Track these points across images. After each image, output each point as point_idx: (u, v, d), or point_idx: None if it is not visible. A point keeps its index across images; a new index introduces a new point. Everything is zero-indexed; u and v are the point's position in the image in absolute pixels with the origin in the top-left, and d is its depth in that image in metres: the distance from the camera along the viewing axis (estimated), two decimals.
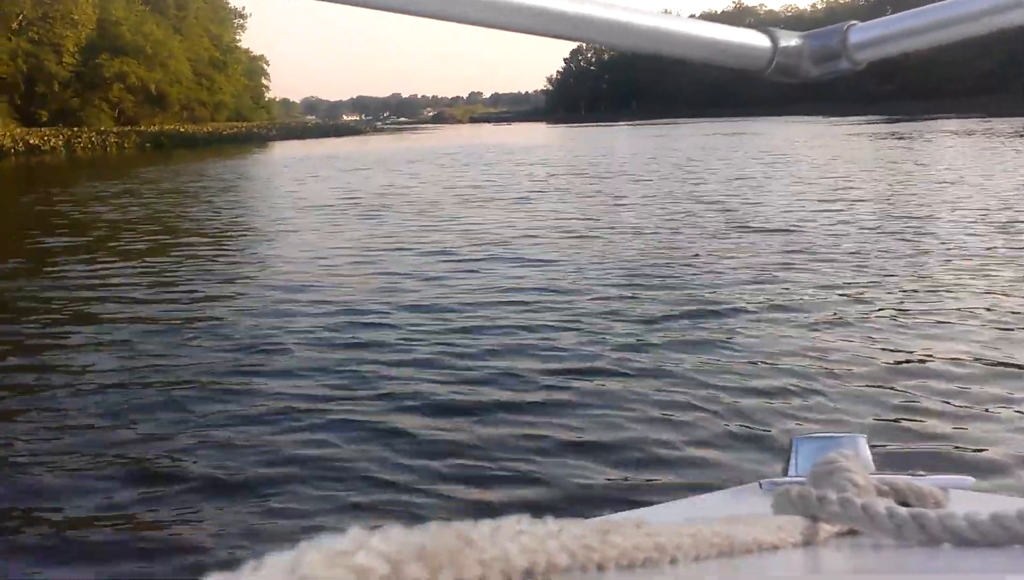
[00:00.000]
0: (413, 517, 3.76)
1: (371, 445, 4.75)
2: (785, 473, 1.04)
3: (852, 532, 0.69)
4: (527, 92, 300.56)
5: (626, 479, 4.27)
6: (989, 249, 9.97)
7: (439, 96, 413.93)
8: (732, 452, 4.52)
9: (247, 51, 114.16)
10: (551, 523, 0.42)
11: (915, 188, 17.26)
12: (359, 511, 3.97)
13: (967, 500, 0.85)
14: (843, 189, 17.47)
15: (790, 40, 0.74)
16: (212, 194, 22.70)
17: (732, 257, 10.19)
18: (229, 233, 14.68)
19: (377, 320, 7.64)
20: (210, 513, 4.05)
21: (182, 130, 71.30)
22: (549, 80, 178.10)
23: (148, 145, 62.56)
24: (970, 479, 0.95)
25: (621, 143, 43.37)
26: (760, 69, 0.73)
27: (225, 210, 18.56)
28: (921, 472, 0.95)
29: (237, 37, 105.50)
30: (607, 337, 6.78)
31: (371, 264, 10.64)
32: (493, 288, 8.88)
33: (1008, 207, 13.49)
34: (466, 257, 10.78)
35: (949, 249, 10.07)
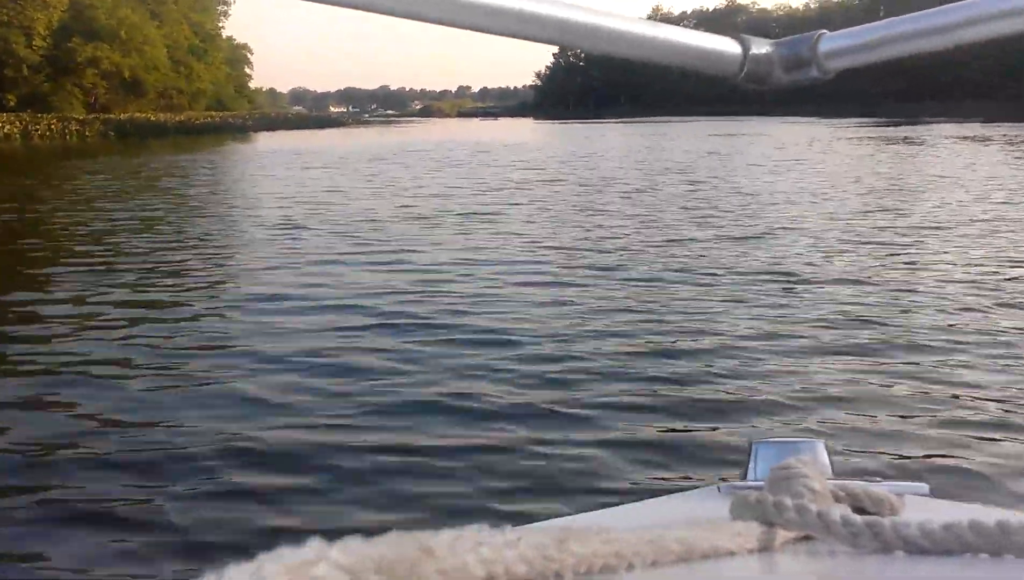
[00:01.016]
0: (376, 524, 3.71)
1: (330, 453, 4.66)
2: (744, 477, 1.04)
3: (808, 538, 0.69)
4: (516, 87, 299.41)
5: (587, 480, 4.28)
6: (960, 260, 9.91)
7: (427, 89, 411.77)
8: (692, 454, 4.55)
9: (230, 39, 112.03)
10: (510, 532, 0.42)
11: (892, 192, 17.44)
12: (320, 518, 3.90)
13: (923, 507, 0.86)
14: (828, 195, 17.37)
15: (761, 47, 0.74)
16: (132, 192, 20.58)
17: (695, 260, 10.14)
18: (118, 236, 13.17)
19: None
20: (173, 520, 3.97)
21: (152, 118, 68.76)
22: (538, 75, 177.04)
23: (112, 134, 59.98)
24: (926, 486, 0.97)
25: (608, 143, 41.45)
26: (731, 75, 0.74)
27: (129, 212, 16.45)
28: (878, 478, 0.95)
29: (220, 24, 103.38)
30: (567, 341, 6.74)
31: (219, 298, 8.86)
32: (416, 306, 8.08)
33: (980, 217, 13.43)
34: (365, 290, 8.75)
35: (920, 257, 10.07)
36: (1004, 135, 39.24)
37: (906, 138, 38.59)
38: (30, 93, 66.84)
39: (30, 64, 66.29)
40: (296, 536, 0.30)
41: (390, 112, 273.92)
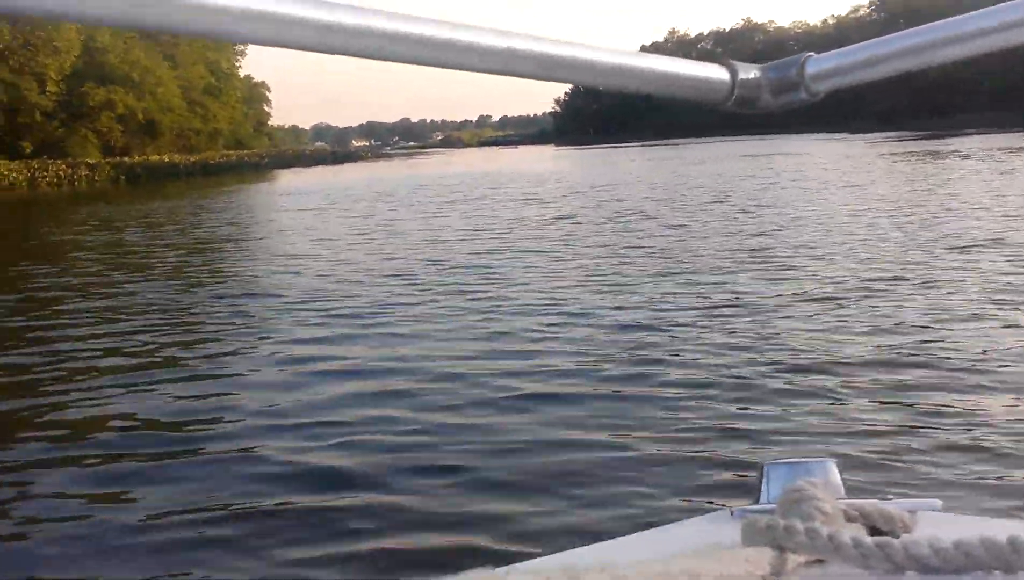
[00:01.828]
0: (369, 567, 3.73)
1: (321, 492, 4.56)
2: (756, 500, 1.04)
3: (821, 561, 0.69)
4: (535, 115, 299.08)
5: (596, 507, 4.23)
6: (976, 276, 9.58)
7: (448, 120, 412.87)
8: (704, 478, 4.49)
9: (248, 77, 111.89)
10: (514, 571, 0.40)
11: (917, 208, 16.92)
12: (316, 561, 3.84)
13: (935, 523, 0.87)
14: (852, 213, 16.80)
15: (749, 72, 0.75)
16: (105, 243, 19.33)
17: (710, 284, 9.99)
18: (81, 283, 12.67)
19: None
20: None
21: (166, 160, 67.90)
22: (557, 102, 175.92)
23: (123, 178, 59.06)
24: (938, 502, 0.97)
25: (631, 170, 39.71)
26: (721, 101, 0.75)
27: (96, 257, 15.63)
28: (890, 496, 0.97)
29: (237, 63, 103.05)
30: (575, 366, 6.72)
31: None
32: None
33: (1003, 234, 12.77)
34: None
35: (935, 274, 9.81)
36: None
37: (934, 153, 36.67)
38: (45, 140, 66.23)
39: (44, 110, 65.68)
40: None
41: (412, 144, 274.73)
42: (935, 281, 9.38)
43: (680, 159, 47.27)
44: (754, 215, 17.32)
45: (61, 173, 57.21)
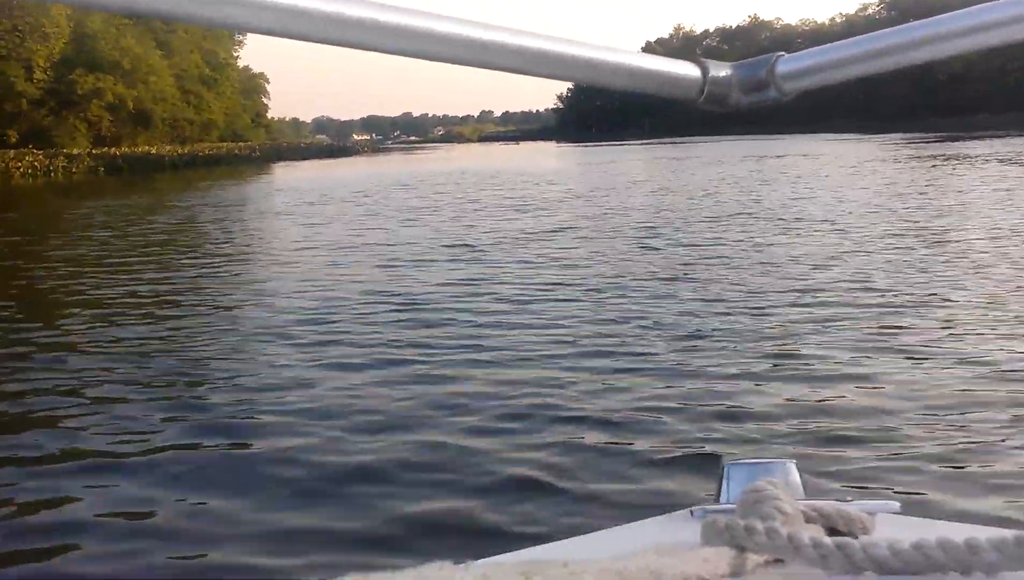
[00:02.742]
0: (329, 562, 3.70)
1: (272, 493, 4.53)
2: (717, 499, 1.05)
3: (780, 561, 0.69)
4: (538, 110, 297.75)
5: (556, 506, 4.22)
6: (923, 279, 9.71)
7: (449, 114, 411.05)
8: (664, 477, 4.52)
9: (246, 68, 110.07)
10: (473, 567, 0.41)
11: (900, 209, 16.94)
12: (266, 556, 3.84)
13: (894, 524, 0.88)
14: (830, 211, 17.11)
15: (720, 70, 0.76)
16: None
17: (677, 282, 10.13)
18: None
19: None
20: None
21: (152, 152, 65.75)
22: (559, 98, 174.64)
23: (103, 170, 56.88)
24: (896, 503, 0.97)
25: (633, 171, 37.62)
26: (692, 98, 0.75)
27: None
28: (849, 497, 0.97)
29: (235, 53, 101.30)
30: (535, 362, 6.77)
31: None
32: None
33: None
34: None
35: (902, 280, 9.74)
36: None
37: (949, 157, 34.71)
38: (32, 128, 64.36)
39: (31, 98, 63.82)
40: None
41: (413, 138, 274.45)
42: (904, 284, 9.40)
43: (686, 159, 45.50)
44: (749, 218, 16.73)
45: (37, 164, 53.66)
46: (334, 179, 39.68)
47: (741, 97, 0.76)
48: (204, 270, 12.72)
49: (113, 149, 64.66)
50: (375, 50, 0.55)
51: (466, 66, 0.60)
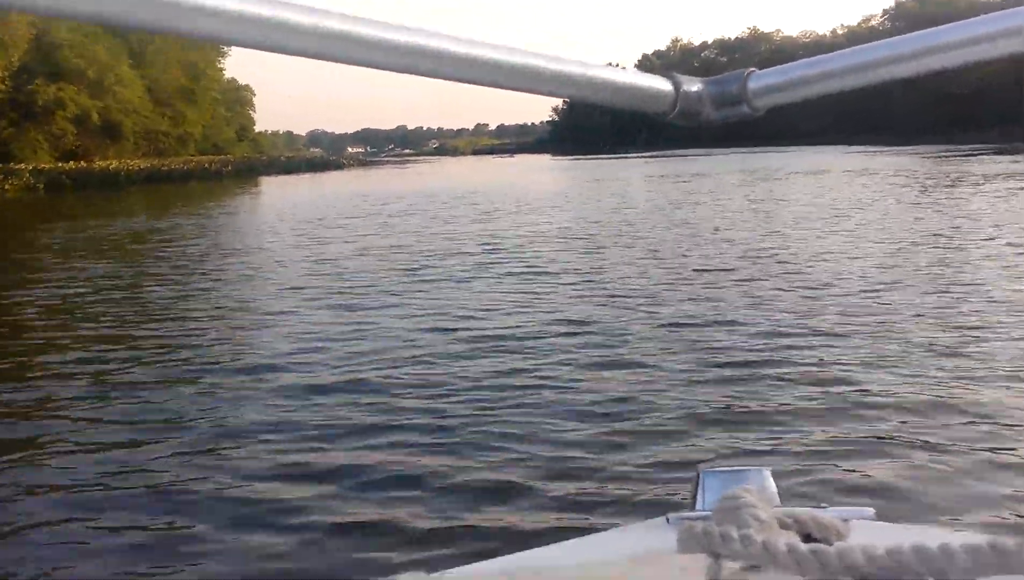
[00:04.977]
0: (301, 573, 3.75)
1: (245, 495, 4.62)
2: (692, 506, 1.06)
3: (756, 568, 0.70)
4: (533, 123, 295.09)
5: (533, 513, 4.23)
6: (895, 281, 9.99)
7: (445, 128, 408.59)
8: (641, 485, 4.52)
9: (231, 80, 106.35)
10: (447, 577, 0.40)
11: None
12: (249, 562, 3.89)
13: (869, 531, 0.88)
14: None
15: (692, 85, 0.77)
16: None
17: (644, 288, 10.35)
18: None
19: None
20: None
21: (101, 167, 60.46)
22: (555, 110, 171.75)
23: (42, 187, 52.06)
24: (871, 510, 0.98)
25: (635, 192, 33.65)
26: (664, 113, 0.76)
27: None
28: (824, 504, 0.97)
29: (220, 65, 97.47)
30: (512, 377, 6.69)
31: None
32: None
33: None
34: None
35: (861, 285, 9.91)
36: None
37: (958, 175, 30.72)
38: None
39: None
40: None
41: (407, 151, 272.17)
42: (881, 292, 9.46)
43: (685, 175, 41.74)
44: (738, 235, 15.84)
45: None
46: (296, 200, 35.86)
47: (713, 112, 0.77)
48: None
49: (61, 164, 59.60)
50: (359, 64, 0.54)
51: (444, 80, 0.60)
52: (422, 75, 0.59)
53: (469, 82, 0.62)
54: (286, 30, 0.50)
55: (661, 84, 0.74)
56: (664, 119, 0.76)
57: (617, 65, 0.79)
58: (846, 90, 0.76)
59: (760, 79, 0.76)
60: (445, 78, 0.60)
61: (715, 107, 0.77)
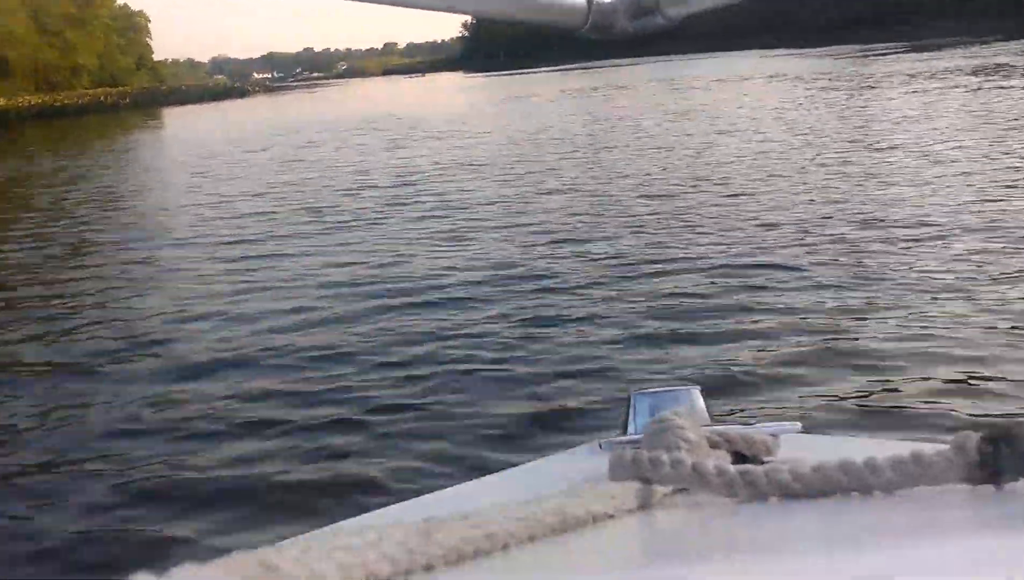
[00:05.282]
0: (214, 537, 3.51)
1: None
2: (624, 429, 1.04)
3: (686, 491, 0.71)
4: (443, 40, 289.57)
5: (464, 446, 4.18)
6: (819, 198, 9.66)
7: (353, 48, 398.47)
8: (573, 409, 4.51)
9: (123, 6, 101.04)
10: (370, 532, 0.41)
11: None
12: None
13: (797, 445, 0.89)
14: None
15: None
16: None
17: (580, 209, 10.21)
18: None
19: None
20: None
21: None
22: (464, 26, 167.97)
23: None
24: (799, 424, 0.98)
25: (552, 109, 32.28)
26: (576, 27, 0.74)
27: None
28: (753, 421, 1.00)
29: None
30: (440, 306, 6.62)
31: None
32: None
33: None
34: None
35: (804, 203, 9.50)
36: None
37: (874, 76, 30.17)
38: None
39: None
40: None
41: (315, 75, 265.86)
42: (806, 208, 9.20)
43: (603, 88, 40.40)
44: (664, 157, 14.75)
45: None
46: (185, 138, 33.74)
47: (627, 24, 0.74)
48: None
49: None
50: None
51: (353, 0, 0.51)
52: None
53: (383, 2, 0.59)
54: None
55: None
56: (576, 34, 0.74)
57: None
58: None
59: None
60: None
61: (629, 19, 0.74)
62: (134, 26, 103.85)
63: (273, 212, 11.66)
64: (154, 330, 6.72)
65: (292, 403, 4.81)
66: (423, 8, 0.64)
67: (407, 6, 0.61)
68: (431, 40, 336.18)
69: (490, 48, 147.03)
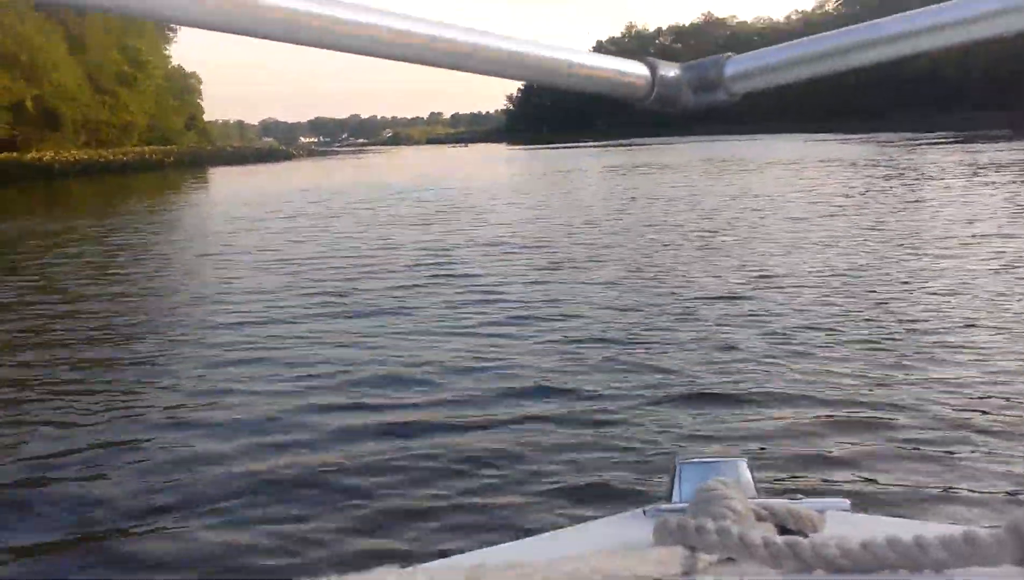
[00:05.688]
0: (276, 568, 3.68)
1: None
2: (669, 498, 1.05)
3: (732, 560, 0.70)
4: (488, 112, 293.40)
5: (508, 508, 4.21)
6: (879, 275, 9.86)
7: (399, 116, 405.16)
8: (618, 477, 4.51)
9: (177, 68, 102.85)
10: (421, 571, 0.41)
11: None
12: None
13: (844, 522, 0.88)
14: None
15: (670, 71, 0.76)
16: None
17: (621, 277, 10.52)
18: None
19: None
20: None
21: (31, 157, 56.39)
22: (509, 98, 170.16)
23: None
24: (847, 501, 0.98)
25: (595, 186, 31.85)
26: (641, 98, 0.75)
27: None
28: (800, 495, 0.98)
29: (166, 52, 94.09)
30: (487, 369, 6.67)
31: None
32: None
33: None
34: None
35: (845, 277, 9.83)
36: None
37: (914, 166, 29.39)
38: None
39: None
40: None
41: (361, 141, 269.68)
42: (857, 283, 9.38)
43: (649, 167, 39.99)
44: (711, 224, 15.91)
45: None
46: (203, 206, 33.75)
47: (691, 97, 0.76)
48: None
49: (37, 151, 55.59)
50: (322, 46, 0.53)
51: (413, 63, 0.59)
52: (392, 59, 0.57)
53: (439, 66, 0.60)
54: (248, 12, 0.48)
55: (638, 69, 0.73)
56: (641, 105, 0.75)
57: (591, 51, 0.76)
58: (822, 76, 0.75)
59: (737, 64, 0.76)
60: (415, 62, 0.58)
61: (693, 92, 0.76)
62: (187, 87, 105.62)
63: (288, 294, 10.80)
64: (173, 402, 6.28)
65: (344, 471, 4.75)
66: (497, 76, 0.64)
67: (480, 73, 0.62)
68: (475, 111, 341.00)
69: (534, 121, 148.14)
